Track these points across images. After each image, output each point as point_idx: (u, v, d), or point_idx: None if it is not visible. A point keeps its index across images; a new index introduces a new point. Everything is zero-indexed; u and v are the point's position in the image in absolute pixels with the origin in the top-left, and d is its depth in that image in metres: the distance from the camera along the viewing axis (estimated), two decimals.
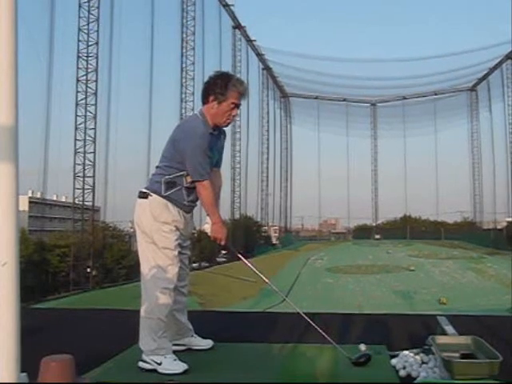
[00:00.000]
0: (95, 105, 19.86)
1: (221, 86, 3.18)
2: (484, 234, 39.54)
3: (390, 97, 43.02)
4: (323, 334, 3.18)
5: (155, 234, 3.13)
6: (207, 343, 3.47)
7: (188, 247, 3.43)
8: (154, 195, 3.18)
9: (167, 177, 3.19)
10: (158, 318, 3.08)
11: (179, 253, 3.23)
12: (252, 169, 34.37)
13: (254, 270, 3.44)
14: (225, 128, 3.43)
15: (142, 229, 3.18)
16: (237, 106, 3.24)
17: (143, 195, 3.20)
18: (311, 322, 3.24)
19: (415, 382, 2.79)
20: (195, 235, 19.24)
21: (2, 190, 1.14)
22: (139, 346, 3.16)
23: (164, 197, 3.18)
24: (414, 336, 3.67)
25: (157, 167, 3.31)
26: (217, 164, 3.42)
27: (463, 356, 2.82)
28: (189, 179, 3.19)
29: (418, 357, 3.07)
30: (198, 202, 3.32)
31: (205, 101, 3.25)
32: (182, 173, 3.18)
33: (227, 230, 3.26)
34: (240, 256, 3.39)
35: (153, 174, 3.31)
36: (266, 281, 3.53)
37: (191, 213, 3.37)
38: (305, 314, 3.47)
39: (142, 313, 3.15)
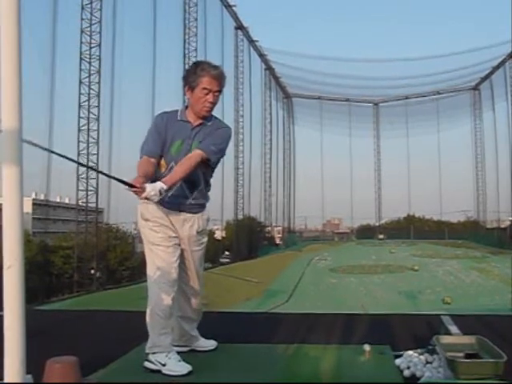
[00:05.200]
0: (98, 107, 19.93)
1: (191, 73, 3.16)
2: (488, 234, 39.49)
3: (393, 97, 43.00)
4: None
5: (142, 232, 3.19)
6: (211, 344, 3.46)
7: (193, 253, 3.26)
8: None
9: None
10: (156, 313, 3.05)
11: (179, 253, 3.17)
12: (255, 169, 34.44)
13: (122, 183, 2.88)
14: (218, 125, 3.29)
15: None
16: (211, 91, 3.13)
17: None
18: None
19: (420, 381, 2.79)
20: None
21: (6, 194, 1.15)
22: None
23: None
24: (418, 336, 3.67)
25: None
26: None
27: (467, 356, 2.81)
28: (163, 170, 3.15)
29: (422, 357, 3.06)
30: (194, 201, 3.19)
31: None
32: None
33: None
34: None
35: None
36: None
37: (184, 212, 3.18)
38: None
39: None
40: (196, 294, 3.35)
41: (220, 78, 3.17)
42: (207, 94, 3.13)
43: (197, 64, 3.26)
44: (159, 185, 2.88)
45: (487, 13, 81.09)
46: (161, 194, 2.87)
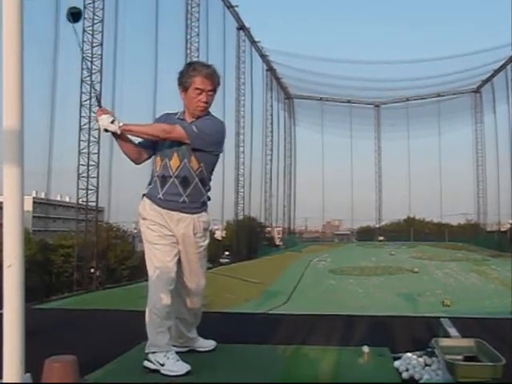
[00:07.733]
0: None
1: (184, 74, 3.16)
2: (488, 237, 39.49)
3: (394, 98, 43.00)
4: None
5: (142, 231, 3.20)
6: (210, 344, 3.45)
7: (189, 255, 3.19)
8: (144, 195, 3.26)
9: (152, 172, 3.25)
10: (153, 312, 3.03)
11: (177, 252, 3.14)
12: (256, 170, 34.47)
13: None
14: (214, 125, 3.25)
15: None
16: (204, 91, 3.12)
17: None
18: None
19: None
20: None
21: (7, 193, 1.15)
22: None
23: (144, 194, 3.22)
24: (417, 338, 3.67)
25: None
26: None
27: (466, 358, 2.82)
28: (157, 168, 3.17)
29: (421, 359, 3.06)
30: (188, 199, 3.14)
31: None
32: (151, 158, 3.23)
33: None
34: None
35: None
36: None
37: (178, 211, 3.13)
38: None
39: None
40: (192, 297, 3.29)
41: (212, 77, 3.16)
42: (200, 94, 3.13)
43: (189, 64, 3.26)
44: (117, 119, 2.99)
45: (488, 13, 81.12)
46: (112, 122, 2.97)
